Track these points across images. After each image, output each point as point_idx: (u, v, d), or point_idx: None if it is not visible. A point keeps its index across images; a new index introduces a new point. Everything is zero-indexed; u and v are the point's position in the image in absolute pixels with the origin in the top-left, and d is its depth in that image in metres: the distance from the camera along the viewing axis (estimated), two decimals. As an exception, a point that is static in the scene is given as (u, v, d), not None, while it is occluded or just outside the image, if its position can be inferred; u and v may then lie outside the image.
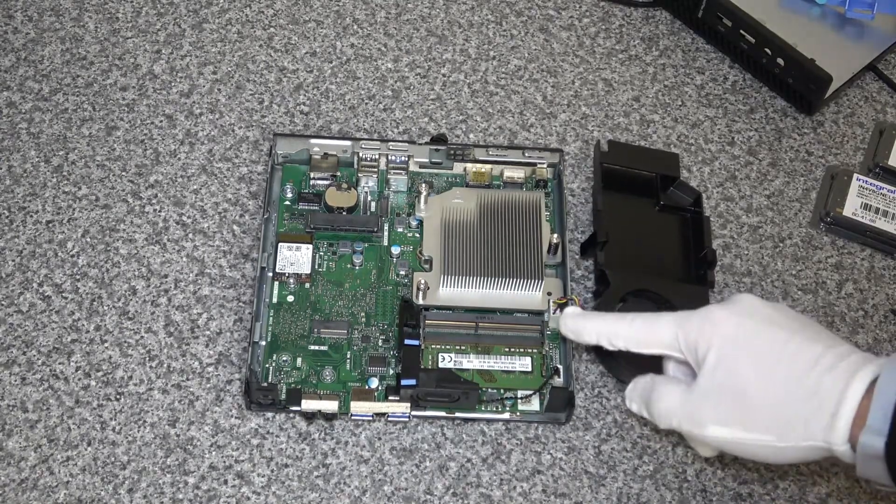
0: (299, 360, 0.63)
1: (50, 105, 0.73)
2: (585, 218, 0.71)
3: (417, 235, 0.68)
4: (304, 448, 0.61)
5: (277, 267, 0.65)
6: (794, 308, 0.68)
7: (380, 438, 0.62)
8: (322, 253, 0.67)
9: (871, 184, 0.73)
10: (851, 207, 0.72)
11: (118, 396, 0.62)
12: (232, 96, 0.74)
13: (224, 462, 0.60)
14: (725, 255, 0.70)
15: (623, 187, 0.70)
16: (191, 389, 0.63)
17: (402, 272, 0.66)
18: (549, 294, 0.65)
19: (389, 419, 0.62)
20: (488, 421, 0.63)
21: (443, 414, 0.62)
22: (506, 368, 0.63)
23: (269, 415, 0.62)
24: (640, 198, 0.71)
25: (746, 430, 0.50)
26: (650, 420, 0.54)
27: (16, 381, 0.62)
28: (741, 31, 0.77)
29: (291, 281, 0.65)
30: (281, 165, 0.70)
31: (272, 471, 0.60)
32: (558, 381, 0.63)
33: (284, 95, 0.75)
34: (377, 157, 0.70)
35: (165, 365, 0.63)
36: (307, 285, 0.65)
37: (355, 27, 0.79)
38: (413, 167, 0.70)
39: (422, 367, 0.62)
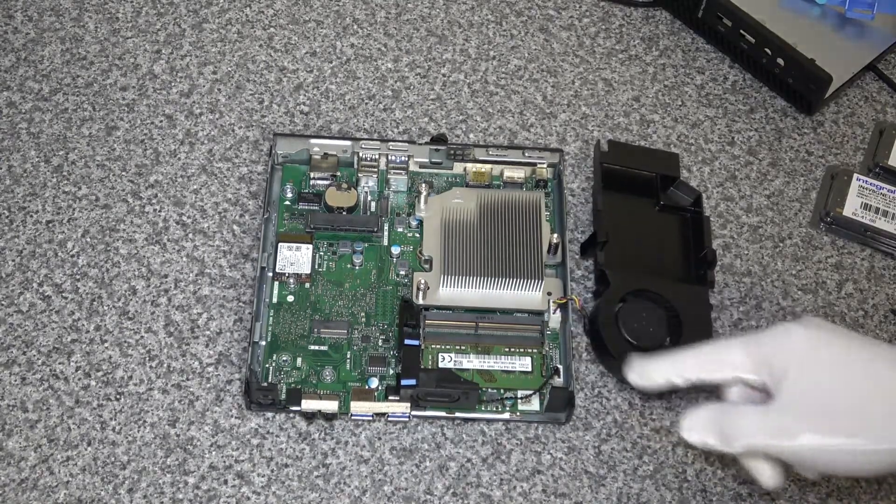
0: (299, 360, 0.63)
1: (50, 105, 0.73)
2: (585, 218, 0.71)
3: (417, 235, 0.68)
4: (304, 448, 0.61)
5: (277, 267, 0.65)
6: (794, 308, 0.68)
7: (380, 438, 0.62)
8: (322, 253, 0.67)
9: (871, 184, 0.73)
10: (851, 207, 0.72)
11: (118, 396, 0.62)
12: (232, 96, 0.74)
13: (224, 462, 0.60)
14: (725, 255, 0.70)
15: (623, 187, 0.70)
16: (191, 389, 0.63)
17: (402, 272, 0.66)
18: (549, 294, 0.65)
19: (389, 419, 0.62)
20: (488, 421, 0.63)
21: (443, 414, 0.62)
22: (506, 368, 0.63)
23: (269, 415, 0.62)
24: (640, 198, 0.71)
25: (838, 435, 0.49)
26: (718, 447, 0.52)
27: (16, 381, 0.62)
28: (741, 31, 0.77)
29: (291, 281, 0.65)
30: (281, 165, 0.70)
31: (272, 471, 0.60)
32: (558, 381, 0.63)
33: (284, 95, 0.75)
34: (377, 157, 0.70)
35: (165, 365, 0.63)
36: (307, 285, 0.65)
37: (355, 27, 0.79)
38: (413, 167, 0.70)
39: (422, 367, 0.62)
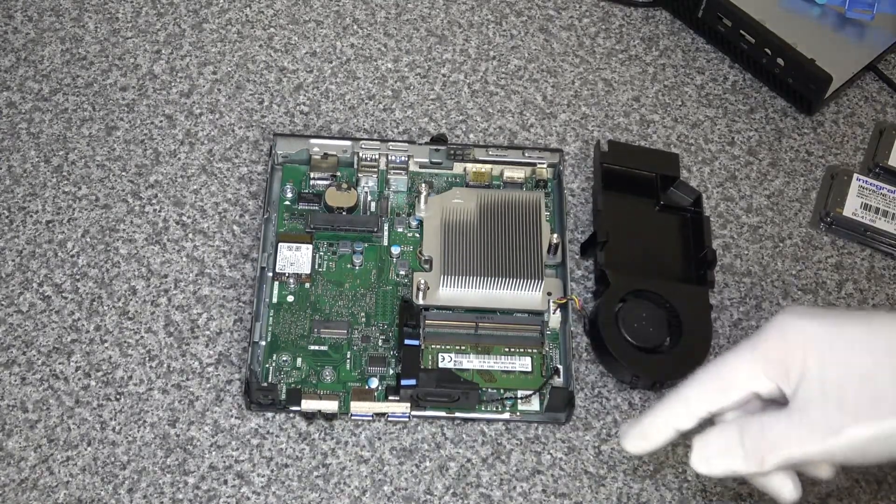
0: (299, 360, 0.63)
1: (50, 105, 0.73)
2: (585, 218, 0.71)
3: (417, 235, 0.68)
4: (304, 448, 0.61)
5: (277, 267, 0.65)
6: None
7: (380, 438, 0.62)
8: (322, 253, 0.67)
9: (871, 184, 0.73)
10: (851, 207, 0.72)
11: (118, 396, 0.62)
12: (232, 96, 0.74)
13: (224, 462, 0.60)
14: (725, 255, 0.70)
15: (623, 187, 0.70)
16: (191, 389, 0.63)
17: (402, 272, 0.66)
18: (549, 294, 0.65)
19: (389, 419, 0.62)
20: (488, 421, 0.63)
21: (443, 414, 0.62)
22: (506, 368, 0.63)
23: (269, 415, 0.62)
24: (640, 198, 0.71)
25: (888, 416, 0.43)
26: (745, 470, 0.45)
27: (16, 381, 0.62)
28: (741, 31, 0.77)
29: (291, 281, 0.65)
30: (281, 165, 0.70)
31: (272, 471, 0.60)
32: (558, 381, 0.63)
33: (284, 95, 0.75)
34: (377, 157, 0.70)
35: (165, 365, 0.63)
36: (307, 285, 0.65)
37: (355, 27, 0.79)
38: (413, 167, 0.70)
39: (422, 367, 0.62)
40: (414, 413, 0.62)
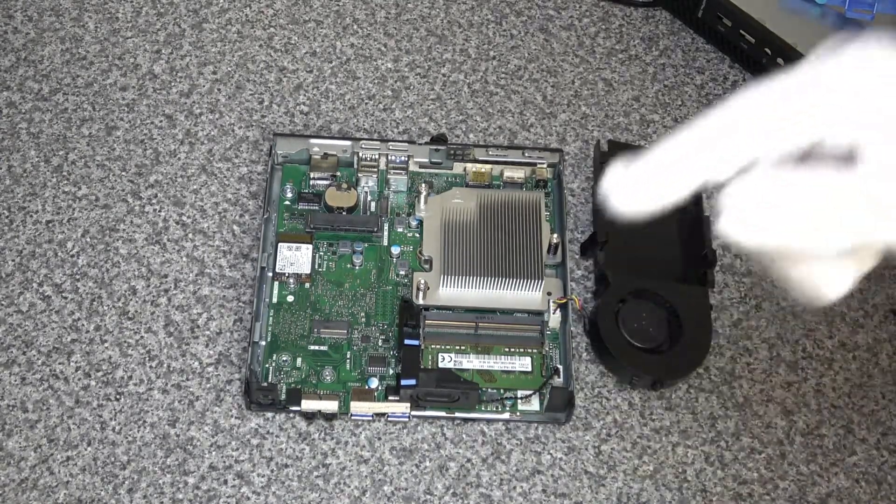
0: (299, 360, 0.63)
1: (50, 105, 0.73)
2: (585, 218, 0.71)
3: (417, 235, 0.68)
4: (304, 448, 0.61)
5: (277, 267, 0.65)
6: (794, 308, 0.68)
7: (380, 438, 0.62)
8: (322, 253, 0.67)
9: (871, 184, 0.73)
10: (851, 207, 0.71)
11: (118, 396, 0.62)
12: (232, 96, 0.74)
13: (224, 462, 0.60)
14: (725, 254, 0.70)
15: (623, 187, 0.70)
16: (191, 389, 0.63)
17: (402, 272, 0.66)
18: (549, 294, 0.65)
19: (389, 419, 0.62)
20: (488, 421, 0.63)
21: (443, 414, 0.62)
22: (506, 368, 0.63)
23: (269, 415, 0.62)
24: (640, 198, 0.71)
25: None
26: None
27: (16, 381, 0.62)
28: (741, 31, 0.77)
29: (291, 281, 0.65)
30: (281, 165, 0.70)
31: (272, 471, 0.60)
32: (558, 381, 0.63)
33: (284, 95, 0.75)
34: (377, 157, 0.70)
35: (165, 365, 0.63)
36: (307, 285, 0.65)
37: (355, 27, 0.79)
38: (413, 167, 0.70)
39: (422, 367, 0.62)
40: (414, 413, 0.62)
